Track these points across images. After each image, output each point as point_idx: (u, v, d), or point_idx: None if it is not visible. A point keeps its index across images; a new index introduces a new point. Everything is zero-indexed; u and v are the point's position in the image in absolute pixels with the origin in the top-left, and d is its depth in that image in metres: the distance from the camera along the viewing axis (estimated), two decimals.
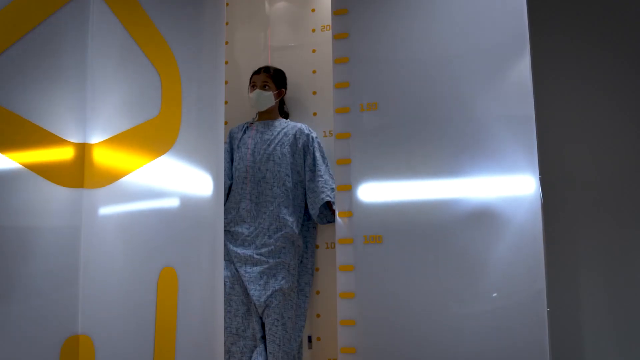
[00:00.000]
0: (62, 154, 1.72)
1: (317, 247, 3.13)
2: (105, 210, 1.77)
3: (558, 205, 3.03)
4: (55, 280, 1.67)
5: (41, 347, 1.64)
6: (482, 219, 2.24)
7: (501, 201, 2.23)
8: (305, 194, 3.09)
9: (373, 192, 2.38)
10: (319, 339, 3.06)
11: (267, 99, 3.13)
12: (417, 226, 2.31)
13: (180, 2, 2.17)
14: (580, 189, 3.06)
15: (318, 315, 3.07)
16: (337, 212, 2.43)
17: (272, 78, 3.16)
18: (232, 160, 3.18)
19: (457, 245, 2.25)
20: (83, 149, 1.72)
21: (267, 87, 3.14)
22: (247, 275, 2.93)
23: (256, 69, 3.21)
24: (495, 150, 2.26)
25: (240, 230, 3.02)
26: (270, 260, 2.93)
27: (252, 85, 3.17)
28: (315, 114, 3.22)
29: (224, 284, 2.93)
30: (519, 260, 2.17)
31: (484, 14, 2.34)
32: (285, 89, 3.22)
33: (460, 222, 2.26)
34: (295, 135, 3.10)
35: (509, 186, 2.24)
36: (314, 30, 3.29)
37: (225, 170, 3.08)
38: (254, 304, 2.90)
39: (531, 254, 2.16)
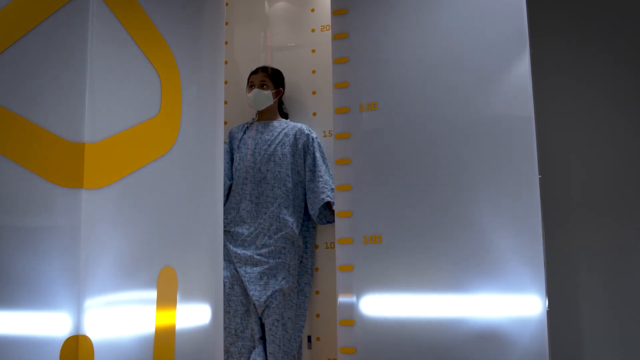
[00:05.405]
0: (62, 154, 1.72)
1: (316, 247, 3.13)
2: (104, 210, 1.77)
3: (558, 206, 3.03)
4: (55, 280, 1.67)
5: (41, 347, 1.64)
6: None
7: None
8: (305, 194, 3.09)
9: (373, 192, 2.38)
10: (318, 338, 3.06)
11: (266, 97, 3.12)
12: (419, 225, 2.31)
13: (180, 2, 2.17)
14: (580, 189, 3.06)
15: (318, 315, 3.07)
16: (336, 212, 2.43)
17: (270, 77, 3.15)
18: (232, 161, 3.18)
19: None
20: (83, 149, 1.72)
21: (265, 86, 3.14)
22: (247, 275, 2.93)
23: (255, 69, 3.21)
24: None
25: (240, 230, 3.02)
26: (271, 261, 2.93)
27: (250, 85, 3.17)
28: (314, 114, 3.22)
29: (224, 285, 2.93)
30: None
31: (484, 14, 2.34)
32: (284, 88, 3.22)
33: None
34: (295, 135, 3.10)
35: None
36: (313, 30, 3.29)
37: (225, 170, 3.08)
38: (254, 305, 2.90)
39: None
